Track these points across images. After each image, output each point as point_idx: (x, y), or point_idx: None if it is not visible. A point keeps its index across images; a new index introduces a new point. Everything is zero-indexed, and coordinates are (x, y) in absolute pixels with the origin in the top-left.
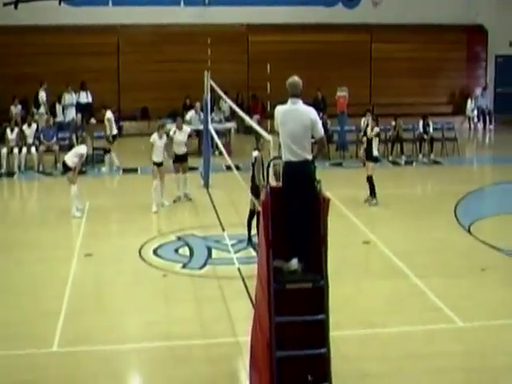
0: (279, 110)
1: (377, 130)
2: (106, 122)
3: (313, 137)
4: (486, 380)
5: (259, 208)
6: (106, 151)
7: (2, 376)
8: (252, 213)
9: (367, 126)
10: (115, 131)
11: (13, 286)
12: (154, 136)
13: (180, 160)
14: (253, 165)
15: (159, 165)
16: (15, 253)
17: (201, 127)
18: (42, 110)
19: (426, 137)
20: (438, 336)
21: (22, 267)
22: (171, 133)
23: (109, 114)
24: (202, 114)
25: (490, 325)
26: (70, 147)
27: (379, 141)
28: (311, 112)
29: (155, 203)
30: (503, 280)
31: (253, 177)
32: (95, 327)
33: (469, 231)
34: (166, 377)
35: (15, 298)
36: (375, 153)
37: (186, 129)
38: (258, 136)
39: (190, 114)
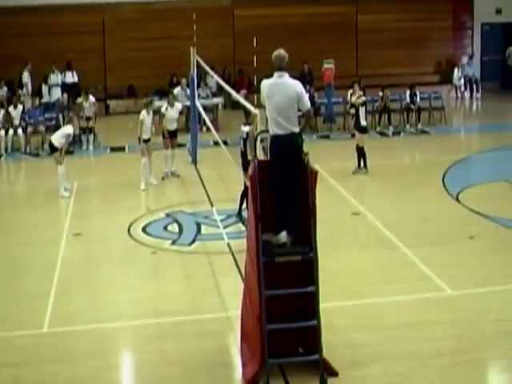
0: (265, 83)
1: (363, 98)
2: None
3: (299, 110)
4: (475, 347)
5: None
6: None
7: None
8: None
9: (352, 94)
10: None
11: (0, 267)
12: (143, 113)
13: (170, 136)
14: (244, 140)
15: (147, 141)
16: (3, 234)
17: (187, 103)
18: (25, 91)
19: (413, 107)
20: (427, 305)
21: (10, 248)
22: (163, 109)
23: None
24: (188, 90)
25: (479, 292)
26: (57, 127)
27: (366, 110)
28: (297, 85)
29: (143, 181)
30: (491, 247)
31: (244, 152)
32: (85, 306)
33: (457, 200)
34: (157, 353)
35: (3, 279)
36: (363, 123)
37: (178, 105)
38: (247, 111)
39: (177, 91)
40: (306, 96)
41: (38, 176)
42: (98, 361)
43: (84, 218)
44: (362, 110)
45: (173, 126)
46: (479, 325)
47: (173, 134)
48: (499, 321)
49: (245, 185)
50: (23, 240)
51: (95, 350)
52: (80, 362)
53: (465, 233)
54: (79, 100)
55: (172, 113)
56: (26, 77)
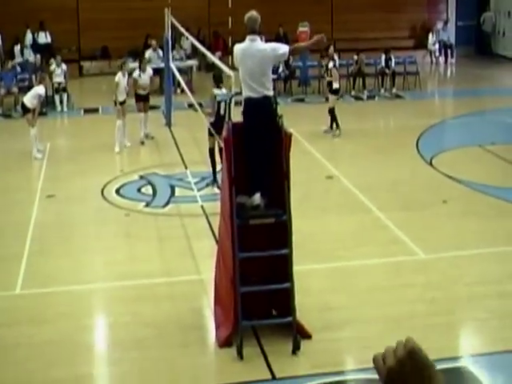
0: (238, 48)
1: (332, 63)
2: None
3: (276, 72)
4: (447, 309)
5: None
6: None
7: None
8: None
9: (322, 57)
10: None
11: None
12: (119, 75)
13: (142, 100)
14: (218, 103)
15: (123, 103)
16: None
17: (161, 65)
18: None
19: (387, 71)
20: (400, 268)
21: None
22: (135, 75)
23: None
24: (160, 52)
25: (452, 256)
26: (30, 88)
27: (339, 74)
28: (269, 44)
29: (118, 143)
30: (464, 212)
31: (222, 115)
32: (59, 268)
33: (431, 164)
34: (131, 315)
35: None
36: (335, 85)
37: (149, 70)
38: (217, 75)
39: (149, 53)
40: (280, 45)
41: (10, 137)
42: (73, 322)
43: (57, 179)
44: (334, 72)
45: (145, 91)
46: (452, 288)
47: (145, 98)
48: (471, 284)
49: (210, 147)
50: None
51: (69, 312)
52: (54, 323)
53: (438, 197)
54: (52, 62)
55: (144, 77)
56: None
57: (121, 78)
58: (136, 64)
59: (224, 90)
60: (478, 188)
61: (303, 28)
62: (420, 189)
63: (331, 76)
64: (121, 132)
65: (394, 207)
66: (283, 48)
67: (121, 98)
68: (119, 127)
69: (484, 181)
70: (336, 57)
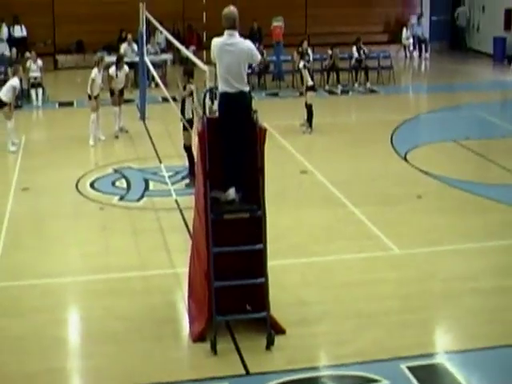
0: (216, 42)
1: (302, 62)
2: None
3: (250, 67)
4: (422, 306)
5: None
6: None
7: None
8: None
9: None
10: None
11: None
12: (95, 71)
13: (117, 94)
14: (184, 98)
15: (96, 97)
16: None
17: (135, 59)
18: None
19: (362, 65)
20: (375, 263)
21: None
22: (111, 71)
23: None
24: (134, 46)
25: (426, 251)
26: (5, 82)
27: (310, 70)
28: (247, 42)
29: (92, 137)
30: (439, 207)
31: (185, 111)
32: (33, 261)
33: (405, 159)
34: (104, 309)
35: None
36: (310, 83)
37: (125, 68)
38: (187, 70)
39: (124, 47)
40: (256, 50)
41: None
42: (46, 315)
43: (32, 172)
44: (305, 72)
45: (120, 86)
46: (426, 284)
47: (120, 92)
48: (446, 280)
49: (184, 145)
50: None
51: (43, 305)
52: (28, 316)
53: (412, 192)
54: (27, 56)
55: (120, 75)
56: None
57: (97, 74)
58: (112, 58)
59: (193, 86)
60: (452, 183)
61: (277, 23)
62: (394, 184)
63: (301, 78)
64: (95, 125)
65: (368, 202)
66: (258, 55)
67: (95, 93)
68: (93, 120)
69: (459, 176)
70: (310, 51)
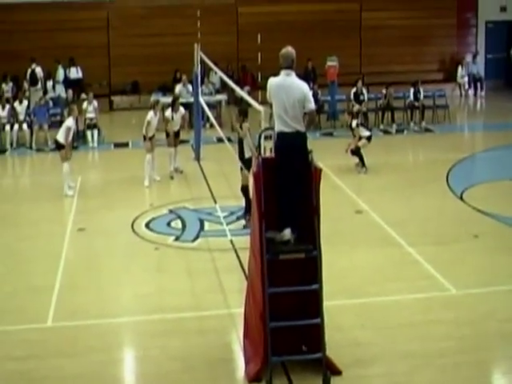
0: (272, 81)
1: (354, 122)
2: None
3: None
4: (479, 347)
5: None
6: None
7: None
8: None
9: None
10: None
11: (3, 260)
12: (151, 114)
13: (174, 135)
14: (241, 139)
15: (152, 138)
16: (7, 228)
17: (190, 100)
18: (39, 86)
19: (417, 104)
20: (431, 304)
21: (15, 242)
22: (167, 114)
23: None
24: (189, 87)
25: (483, 292)
26: (61, 123)
27: (364, 120)
28: (304, 86)
29: (147, 177)
30: (496, 247)
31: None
32: (89, 301)
33: (461, 198)
34: (159, 349)
35: (7, 272)
36: (366, 133)
37: (181, 110)
38: (242, 110)
39: (179, 88)
40: (311, 97)
41: (42, 171)
42: (102, 355)
43: (88, 213)
44: (357, 130)
45: (176, 128)
46: (483, 325)
47: (176, 134)
48: (503, 321)
49: (242, 185)
50: (27, 234)
51: (99, 345)
52: (84, 356)
53: (469, 232)
54: (83, 98)
55: (176, 117)
56: (40, 72)
57: (153, 117)
58: (167, 99)
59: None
60: (509, 222)
61: (332, 62)
62: (451, 223)
63: (354, 136)
64: (150, 166)
65: (424, 242)
66: (313, 103)
67: (150, 134)
68: (148, 161)
69: None
70: (365, 91)
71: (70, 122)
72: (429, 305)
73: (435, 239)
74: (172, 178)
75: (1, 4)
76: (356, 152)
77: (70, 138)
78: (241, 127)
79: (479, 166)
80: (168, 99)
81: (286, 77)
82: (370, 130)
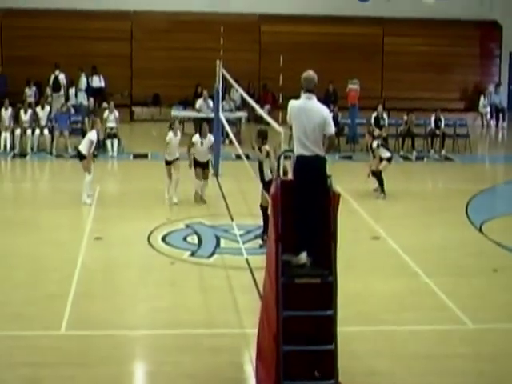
0: (293, 104)
1: (375, 143)
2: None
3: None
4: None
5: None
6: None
7: (5, 356)
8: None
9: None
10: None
11: (20, 266)
12: (170, 135)
13: (202, 166)
14: (261, 161)
15: (171, 162)
16: (24, 233)
17: (210, 115)
18: (62, 92)
19: (437, 132)
20: (447, 337)
21: (31, 247)
22: (194, 139)
23: (92, 135)
24: (210, 102)
25: (501, 327)
26: (82, 131)
27: (384, 145)
28: (324, 110)
29: (167, 190)
30: None
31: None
32: (103, 311)
33: (480, 230)
34: (171, 364)
35: (23, 278)
36: (387, 155)
37: (210, 137)
38: (262, 132)
39: (199, 102)
40: (331, 121)
41: (61, 177)
42: (114, 368)
43: (105, 222)
44: (378, 151)
45: (206, 158)
46: (502, 361)
47: (205, 166)
48: None
49: (261, 205)
50: (44, 240)
51: (111, 357)
52: (96, 367)
53: (488, 265)
54: (105, 107)
55: (204, 144)
56: (63, 79)
57: (172, 137)
58: (187, 113)
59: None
60: None
61: (353, 85)
62: (469, 255)
63: (374, 157)
64: (171, 188)
65: (442, 273)
66: (333, 128)
67: (169, 158)
68: (167, 186)
69: None
70: (385, 115)
71: (93, 135)
72: (446, 337)
73: (453, 270)
74: (196, 200)
75: (27, 10)
76: (377, 175)
77: (92, 150)
78: (260, 149)
79: (499, 198)
80: (189, 113)
81: (307, 100)
82: (391, 152)
